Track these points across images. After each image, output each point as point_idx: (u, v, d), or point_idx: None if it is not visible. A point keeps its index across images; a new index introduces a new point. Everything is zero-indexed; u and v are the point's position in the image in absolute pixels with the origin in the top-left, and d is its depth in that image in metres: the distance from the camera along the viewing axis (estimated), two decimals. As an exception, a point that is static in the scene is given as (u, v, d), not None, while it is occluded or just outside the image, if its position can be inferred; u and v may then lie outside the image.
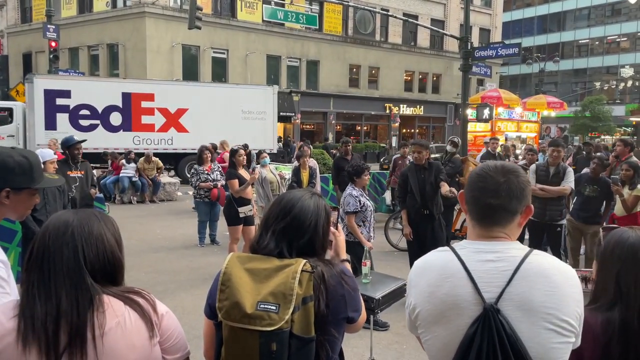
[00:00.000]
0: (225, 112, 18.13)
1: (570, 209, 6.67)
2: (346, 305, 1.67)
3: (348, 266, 1.87)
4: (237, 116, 18.33)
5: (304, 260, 1.60)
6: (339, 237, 1.96)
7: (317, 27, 28.62)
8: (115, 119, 17.26)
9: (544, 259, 1.50)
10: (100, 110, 17.09)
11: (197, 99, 17.97)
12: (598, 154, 9.29)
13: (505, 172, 1.54)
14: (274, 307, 1.51)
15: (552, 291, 1.44)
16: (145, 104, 17.47)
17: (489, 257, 1.49)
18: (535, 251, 1.51)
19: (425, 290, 1.52)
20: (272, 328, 1.49)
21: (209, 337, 1.73)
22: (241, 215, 6.72)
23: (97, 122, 17.07)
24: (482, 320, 1.40)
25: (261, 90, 19.38)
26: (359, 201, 5.34)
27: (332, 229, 1.93)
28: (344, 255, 1.95)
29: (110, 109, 17.19)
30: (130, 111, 17.37)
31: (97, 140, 15.97)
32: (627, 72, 39.71)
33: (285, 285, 1.53)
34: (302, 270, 1.56)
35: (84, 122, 16.92)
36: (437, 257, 1.57)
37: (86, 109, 16.95)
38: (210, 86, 20.33)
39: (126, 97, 17.32)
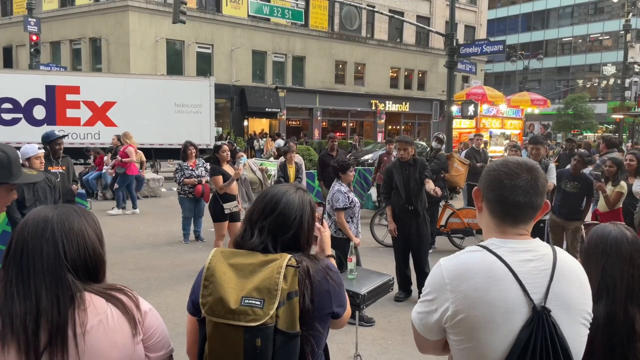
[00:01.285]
0: (157, 105, 17.36)
1: (552, 206, 6.75)
2: (331, 300, 1.66)
3: (333, 262, 1.85)
4: (170, 109, 17.55)
5: (289, 255, 1.59)
6: (324, 232, 1.95)
7: (303, 23, 28.60)
8: (39, 112, 16.74)
9: (566, 256, 1.52)
10: (22, 104, 16.59)
11: (126, 92, 17.28)
12: (582, 150, 9.45)
13: (529, 169, 1.51)
14: (258, 303, 1.49)
15: (582, 287, 1.47)
16: (70, 97, 16.92)
17: (527, 257, 1.46)
18: (556, 247, 1.52)
19: (471, 296, 1.42)
20: (257, 323, 1.47)
21: (192, 334, 1.71)
22: (226, 212, 6.67)
23: (20, 115, 16.59)
24: (536, 323, 1.38)
25: (196, 83, 18.48)
26: (348, 197, 5.34)
27: (317, 224, 1.91)
28: (329, 251, 1.93)
29: (34, 102, 16.67)
30: (54, 104, 16.82)
31: (20, 134, 15.48)
32: (610, 70, 40.29)
33: (270, 280, 1.52)
34: (287, 265, 1.55)
35: (6, 116, 16.49)
36: (477, 259, 1.47)
37: (8, 102, 16.48)
38: (140, 78, 19.32)
39: (50, 90, 16.78)
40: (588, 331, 1.46)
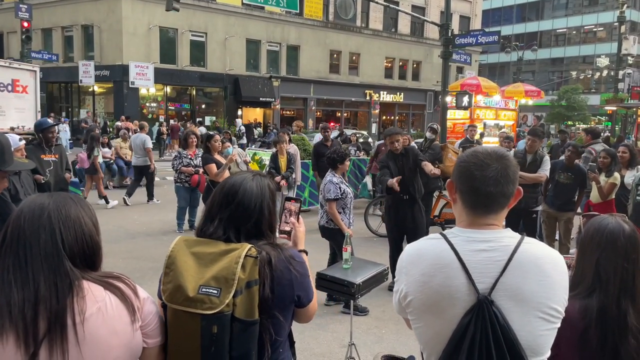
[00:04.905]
0: None
1: (546, 197, 6.78)
2: (293, 289, 1.68)
3: (305, 256, 1.85)
4: None
5: (249, 245, 1.62)
6: (299, 228, 1.97)
7: (298, 12, 28.31)
8: None
9: (535, 247, 1.50)
10: None
11: None
12: (572, 142, 9.54)
13: (499, 157, 1.52)
14: (215, 291, 1.53)
15: (543, 280, 1.45)
16: None
17: (482, 247, 1.48)
18: (526, 239, 1.51)
19: (419, 280, 1.51)
20: (213, 312, 1.52)
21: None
22: (221, 201, 6.67)
23: None
24: (476, 312, 1.41)
25: None
26: (340, 188, 5.33)
27: (292, 219, 1.95)
28: (302, 246, 1.95)
29: None
30: None
31: None
32: (603, 61, 40.26)
33: (228, 270, 1.55)
34: (246, 255, 1.58)
35: None
36: (430, 245, 1.55)
37: None
38: None
39: None
40: (554, 325, 1.46)
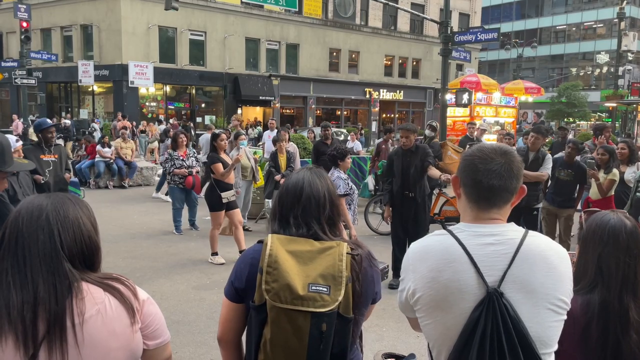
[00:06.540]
0: None
1: (546, 194, 6.77)
2: (374, 285, 1.74)
3: None
4: None
5: (345, 243, 1.66)
6: (352, 230, 2.04)
7: (297, 10, 28.29)
8: None
9: (540, 240, 1.52)
10: None
11: None
12: (572, 138, 9.52)
13: (503, 153, 1.55)
14: (324, 289, 1.56)
15: (550, 272, 1.47)
16: None
17: (489, 241, 1.49)
18: (531, 232, 1.52)
19: (427, 276, 1.51)
20: (326, 309, 1.54)
21: (230, 322, 1.75)
22: (224, 201, 6.65)
23: None
24: (487, 304, 1.42)
25: None
26: (348, 184, 5.35)
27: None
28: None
29: None
30: None
31: None
32: (603, 58, 40.30)
33: (334, 267, 1.59)
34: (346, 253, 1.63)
35: None
36: (437, 241, 1.55)
37: None
38: None
39: None
40: (562, 317, 1.48)
